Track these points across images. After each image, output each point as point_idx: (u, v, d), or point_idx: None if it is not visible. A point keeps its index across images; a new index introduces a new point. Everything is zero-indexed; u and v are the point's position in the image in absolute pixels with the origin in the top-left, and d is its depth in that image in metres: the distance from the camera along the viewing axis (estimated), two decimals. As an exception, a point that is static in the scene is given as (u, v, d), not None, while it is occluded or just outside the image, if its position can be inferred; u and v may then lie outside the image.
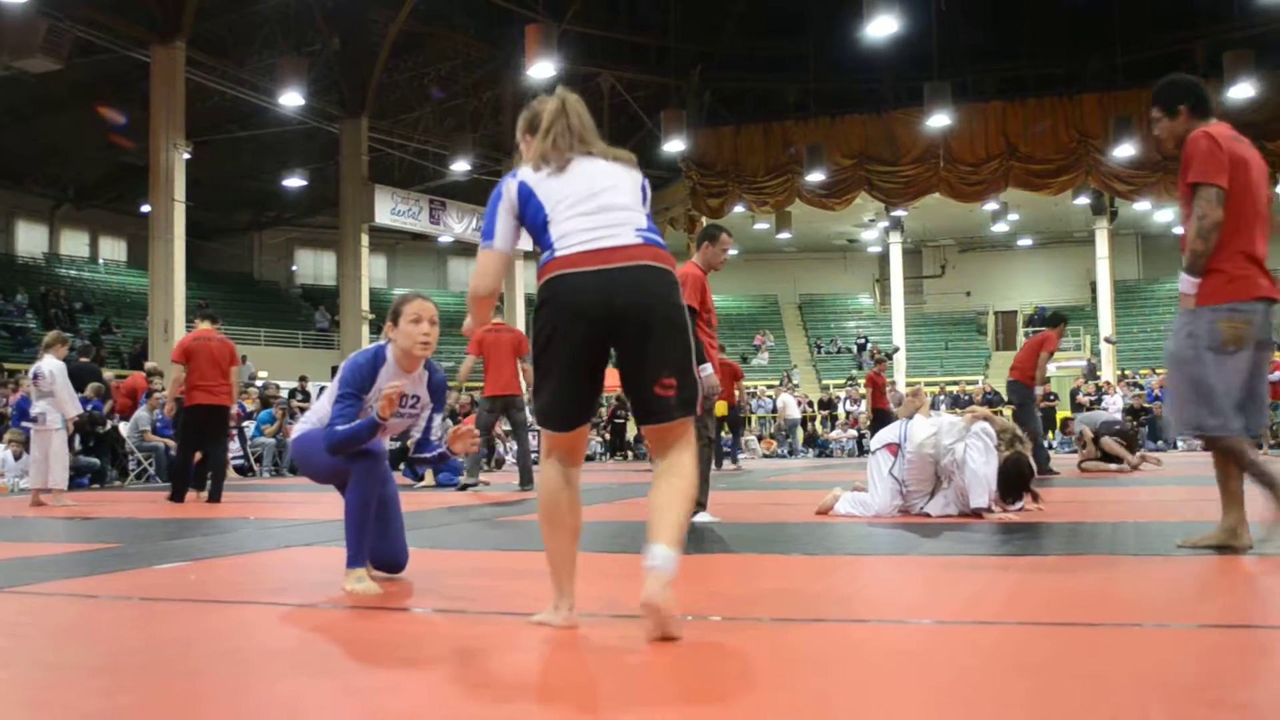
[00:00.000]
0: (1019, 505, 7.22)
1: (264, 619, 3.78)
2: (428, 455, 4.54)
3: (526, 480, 11.50)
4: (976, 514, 6.89)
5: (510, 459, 17.30)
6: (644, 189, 3.47)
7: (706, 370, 6.82)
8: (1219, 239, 4.74)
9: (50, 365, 10.71)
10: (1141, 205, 34.54)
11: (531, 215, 3.34)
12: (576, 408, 3.27)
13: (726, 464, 18.27)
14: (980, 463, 6.90)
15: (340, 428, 4.17)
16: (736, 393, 18.15)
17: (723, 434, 18.06)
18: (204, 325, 11.24)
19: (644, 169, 3.58)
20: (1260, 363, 4.79)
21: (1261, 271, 4.77)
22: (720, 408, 12.98)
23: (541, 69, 26.14)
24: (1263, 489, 4.67)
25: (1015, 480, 7.03)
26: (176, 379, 10.96)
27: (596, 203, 3.29)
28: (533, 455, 11.89)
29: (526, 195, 3.35)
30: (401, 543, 4.53)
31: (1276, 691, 2.57)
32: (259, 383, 23.91)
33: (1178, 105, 5.09)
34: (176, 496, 10.77)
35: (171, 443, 14.17)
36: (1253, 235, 4.80)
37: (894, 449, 7.37)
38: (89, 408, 16.26)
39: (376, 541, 4.39)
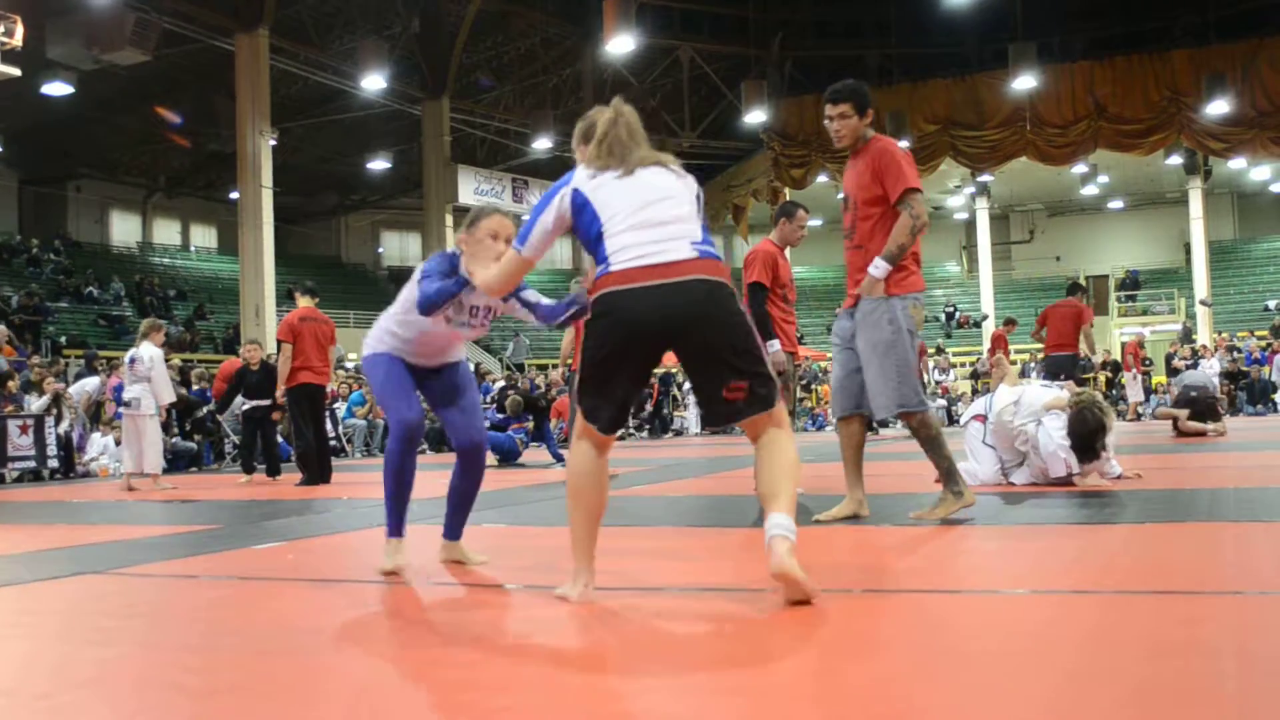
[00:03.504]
0: (1114, 473, 7.11)
1: (358, 597, 3.84)
2: (563, 312, 4.19)
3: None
4: (1065, 481, 6.80)
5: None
6: (699, 198, 3.49)
7: (774, 347, 6.79)
8: None
9: (149, 351, 10.85)
10: (1236, 163, 33.65)
11: (586, 226, 3.36)
12: (623, 414, 3.37)
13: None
14: (1056, 440, 6.82)
15: (429, 287, 4.06)
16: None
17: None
18: (305, 302, 11.21)
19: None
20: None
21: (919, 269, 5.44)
22: None
23: (620, 43, 26.16)
24: (939, 460, 5.30)
25: (1084, 437, 6.86)
26: (286, 357, 10.81)
27: (652, 215, 3.30)
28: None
29: (581, 205, 3.37)
30: (478, 423, 4.45)
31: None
32: (349, 364, 24.23)
33: (867, 108, 5.43)
34: (313, 479, 10.71)
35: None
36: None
37: (981, 419, 7.34)
38: (192, 394, 16.63)
39: (456, 417, 4.38)
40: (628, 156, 3.40)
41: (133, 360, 10.91)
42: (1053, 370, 12.34)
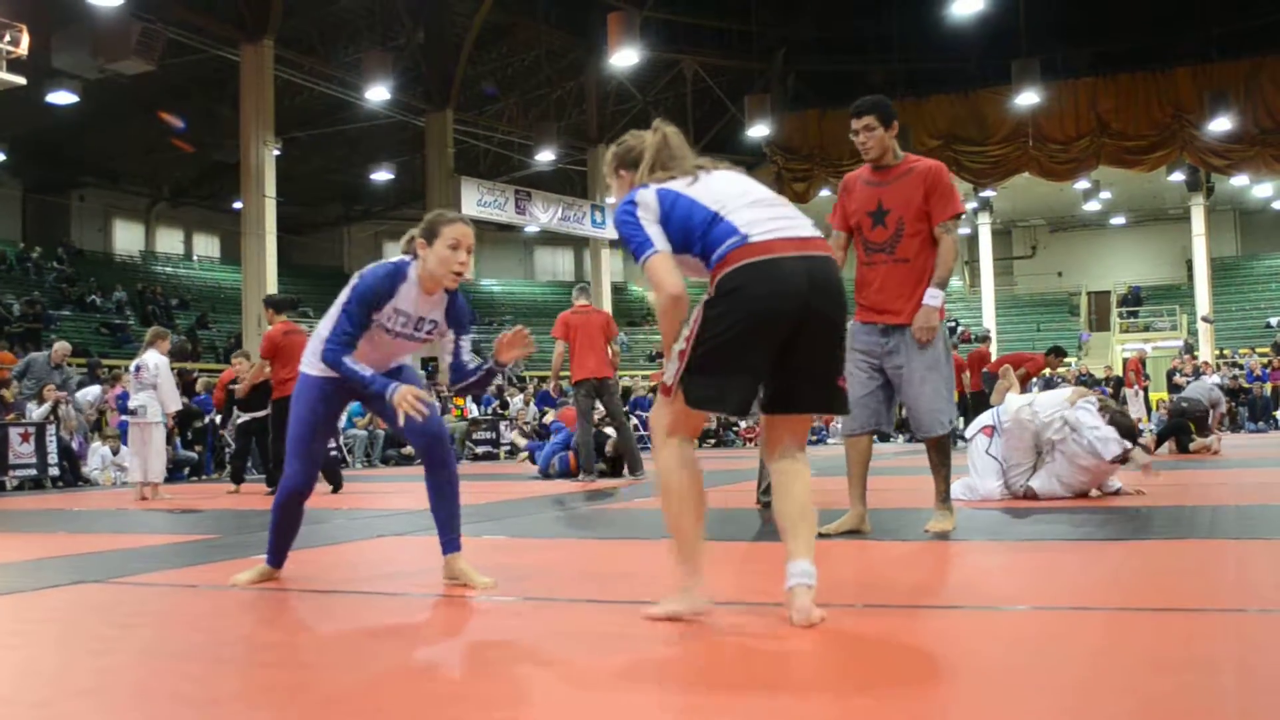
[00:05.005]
0: (1113, 487, 7.14)
1: (354, 608, 3.83)
2: (469, 380, 4.08)
3: (636, 466, 11.29)
4: (1113, 461, 6.86)
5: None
6: None
7: None
8: None
9: (154, 359, 10.86)
10: (1239, 180, 33.68)
11: (684, 214, 3.21)
12: (754, 392, 3.21)
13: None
14: (1103, 428, 6.88)
15: (348, 360, 3.82)
16: None
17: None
18: (283, 318, 11.18)
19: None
20: None
21: None
22: None
23: (624, 56, 26.22)
24: (949, 475, 5.53)
25: (1127, 428, 7.02)
26: (260, 368, 10.93)
27: (761, 197, 3.25)
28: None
29: (672, 198, 3.24)
30: (435, 414, 4.02)
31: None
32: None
33: (893, 119, 5.46)
34: (335, 485, 10.76)
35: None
36: None
37: (989, 430, 7.34)
38: (194, 403, 16.63)
39: (411, 424, 3.91)
40: (686, 165, 3.34)
41: (138, 368, 10.90)
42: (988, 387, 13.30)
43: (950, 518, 5.43)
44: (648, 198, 3.24)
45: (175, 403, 11.37)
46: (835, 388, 3.24)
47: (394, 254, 4.18)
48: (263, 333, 11.20)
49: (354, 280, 3.96)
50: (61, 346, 15.59)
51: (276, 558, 4.30)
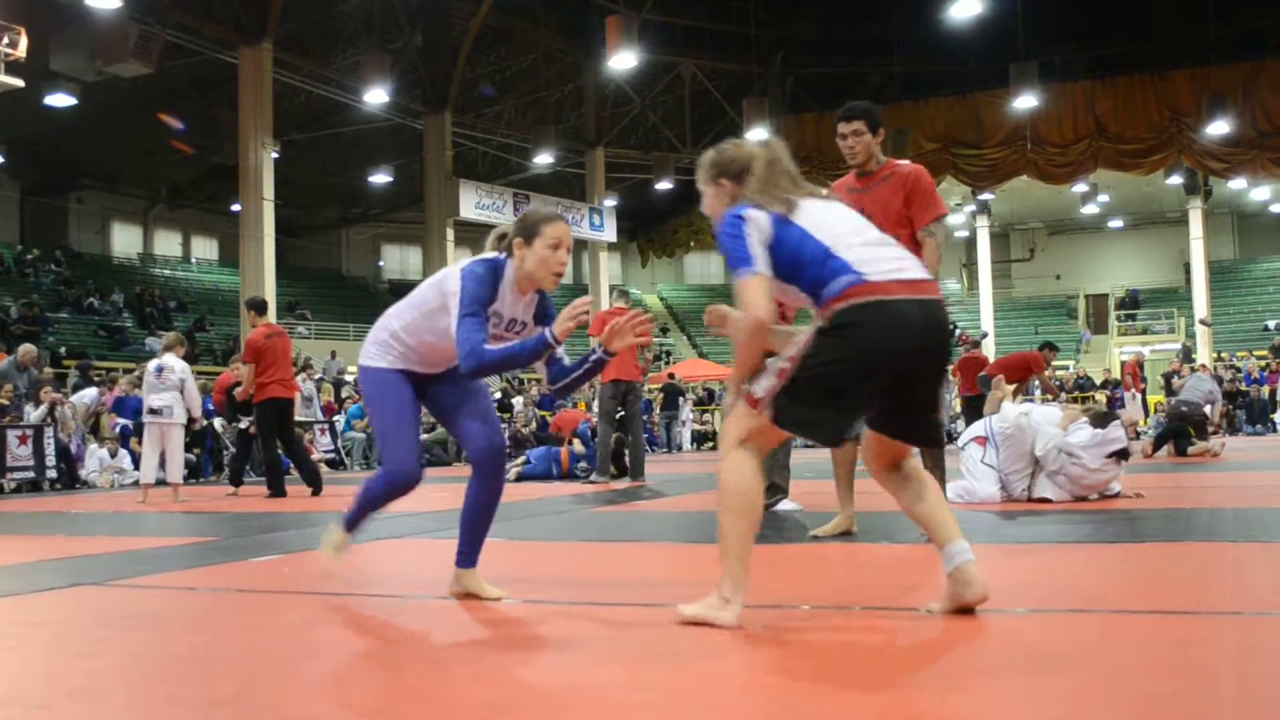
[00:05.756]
0: (1114, 490, 7.14)
1: (355, 610, 3.83)
2: (574, 375, 3.85)
3: (639, 472, 11.37)
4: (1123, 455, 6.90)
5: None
6: None
7: None
8: None
9: (178, 362, 10.86)
10: (1237, 183, 33.72)
11: (795, 245, 3.18)
12: (848, 429, 3.25)
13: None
14: (1091, 436, 6.92)
15: (493, 349, 3.57)
16: None
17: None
18: (264, 321, 11.20)
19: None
20: None
21: None
22: None
23: (623, 59, 26.26)
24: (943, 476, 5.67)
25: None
26: (249, 378, 10.95)
27: (872, 236, 3.24)
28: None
29: (785, 227, 3.20)
30: (497, 427, 3.96)
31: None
32: (349, 377, 24.22)
33: (879, 126, 5.51)
34: (279, 491, 10.77)
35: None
36: None
37: (981, 440, 7.35)
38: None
39: (471, 425, 3.89)
40: (796, 190, 3.30)
41: (160, 369, 10.88)
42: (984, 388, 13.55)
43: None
44: (761, 220, 3.20)
45: (198, 408, 11.42)
46: (932, 422, 3.32)
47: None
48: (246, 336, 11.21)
49: (462, 282, 3.67)
50: (26, 350, 15.61)
51: (354, 527, 4.11)
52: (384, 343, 3.91)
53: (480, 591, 3.83)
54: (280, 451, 11.17)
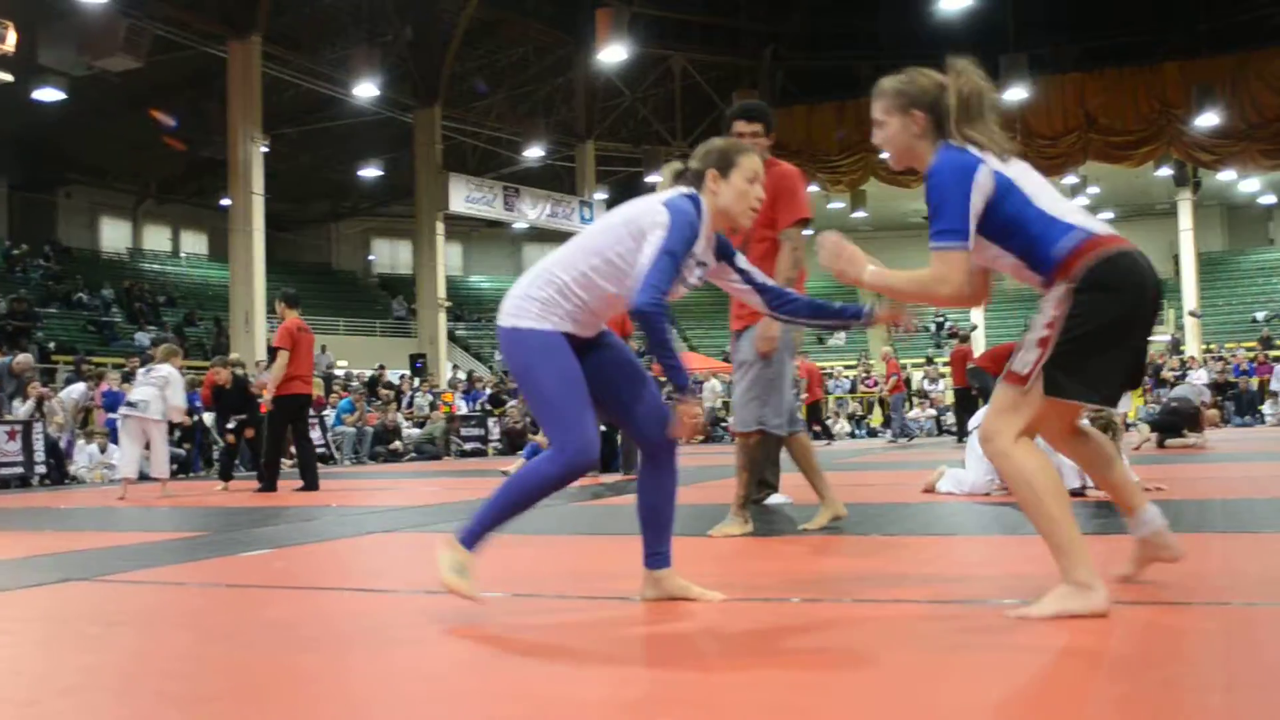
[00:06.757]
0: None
1: (347, 604, 3.83)
2: (828, 316, 3.62)
3: (631, 465, 11.19)
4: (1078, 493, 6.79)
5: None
6: None
7: None
8: None
9: (170, 370, 10.96)
10: (1226, 175, 33.79)
11: (1019, 203, 3.12)
12: (1126, 382, 3.19)
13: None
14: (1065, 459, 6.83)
15: (666, 330, 3.17)
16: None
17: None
18: (293, 313, 10.97)
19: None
20: None
21: None
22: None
23: (613, 53, 26.25)
24: (749, 482, 5.57)
25: None
26: (282, 364, 10.60)
27: (1056, 194, 3.23)
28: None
29: (1006, 187, 3.13)
30: (666, 407, 3.45)
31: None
32: (339, 371, 24.23)
33: (773, 130, 5.49)
34: (270, 486, 10.71)
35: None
36: None
37: None
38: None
39: (639, 406, 3.45)
40: (998, 137, 3.21)
41: (150, 369, 10.98)
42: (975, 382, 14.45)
43: (742, 525, 5.42)
44: (987, 180, 3.10)
45: (178, 413, 11.39)
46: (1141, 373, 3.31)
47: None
48: (279, 326, 10.96)
49: (672, 217, 3.26)
50: (22, 361, 15.75)
51: (480, 535, 3.38)
52: (549, 300, 3.31)
53: (686, 593, 3.46)
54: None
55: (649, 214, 3.27)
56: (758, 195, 3.42)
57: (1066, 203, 3.18)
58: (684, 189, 3.37)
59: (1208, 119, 28.26)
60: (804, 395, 17.16)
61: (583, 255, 3.31)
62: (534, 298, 3.29)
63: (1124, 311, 3.05)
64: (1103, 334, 3.03)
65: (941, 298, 3.14)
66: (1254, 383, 26.50)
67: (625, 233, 3.29)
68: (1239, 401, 25.60)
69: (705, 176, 3.38)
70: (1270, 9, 29.48)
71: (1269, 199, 38.31)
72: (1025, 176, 3.17)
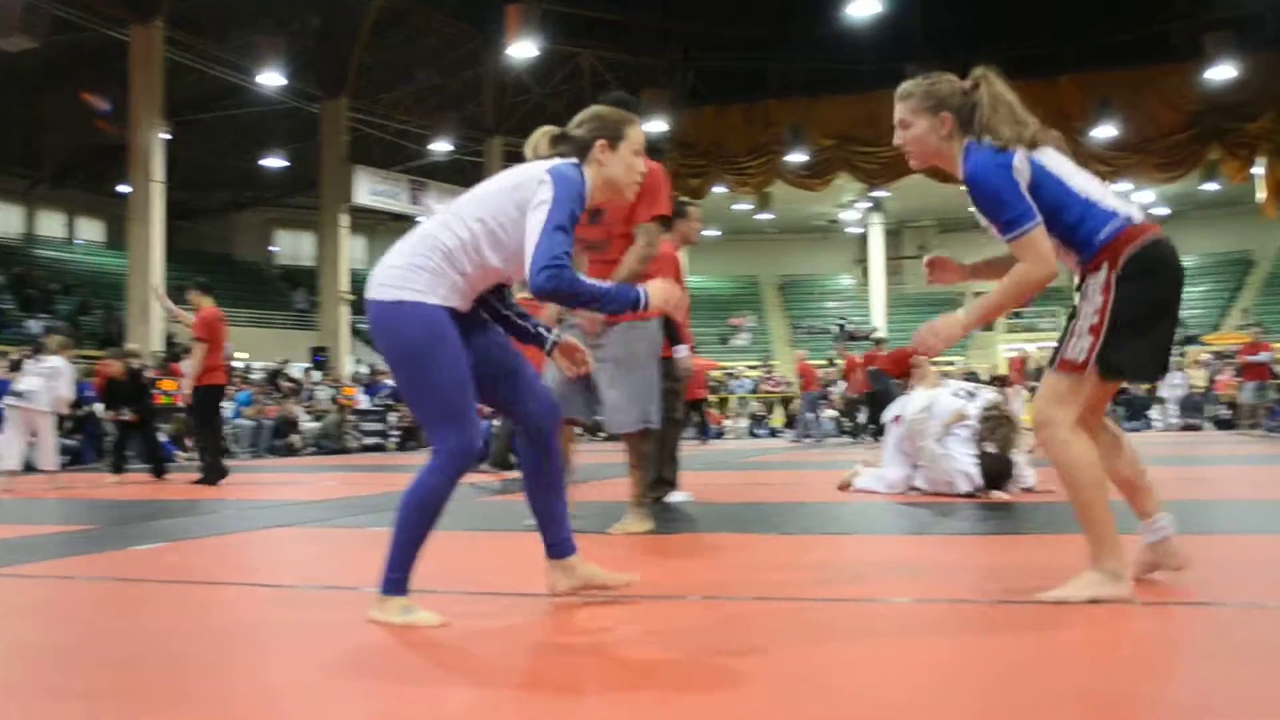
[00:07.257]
0: (1027, 483, 7.17)
1: (240, 600, 3.78)
2: (520, 328, 3.41)
3: (500, 461, 10.95)
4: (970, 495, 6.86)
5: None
6: None
7: (683, 351, 6.81)
8: None
9: (60, 361, 10.80)
10: (1122, 186, 34.62)
11: (1056, 189, 3.27)
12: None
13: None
14: (963, 460, 6.92)
15: (585, 280, 3.04)
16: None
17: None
18: (208, 302, 10.86)
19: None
20: None
21: None
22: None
23: (522, 48, 26.16)
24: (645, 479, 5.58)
25: (994, 476, 6.93)
26: (200, 356, 10.51)
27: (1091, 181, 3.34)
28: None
29: (1042, 173, 3.28)
30: (545, 391, 3.37)
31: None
32: (237, 362, 23.84)
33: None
34: (213, 478, 10.37)
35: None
36: None
37: (898, 419, 7.39)
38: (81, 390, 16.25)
39: (522, 385, 3.29)
40: (1028, 131, 3.36)
41: (40, 359, 10.80)
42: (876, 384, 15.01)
43: (643, 522, 5.42)
44: (1021, 165, 3.26)
45: (64, 405, 11.18)
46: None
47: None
48: (196, 317, 10.79)
49: (558, 187, 3.09)
50: None
51: (405, 577, 3.11)
52: (437, 269, 3.07)
53: (596, 579, 3.38)
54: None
55: (531, 184, 3.11)
56: (641, 169, 3.35)
57: (1102, 187, 3.34)
58: (568, 158, 3.23)
59: (1105, 130, 28.96)
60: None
61: (468, 221, 3.11)
62: (420, 267, 3.05)
63: (1165, 295, 3.24)
64: (1149, 317, 3.21)
65: (1042, 281, 3.27)
66: (1144, 387, 27.18)
67: (510, 202, 3.11)
68: (1129, 405, 26.28)
69: (593, 146, 3.24)
70: (1167, 25, 30.31)
71: (1162, 210, 39.37)
72: (1058, 162, 3.33)
